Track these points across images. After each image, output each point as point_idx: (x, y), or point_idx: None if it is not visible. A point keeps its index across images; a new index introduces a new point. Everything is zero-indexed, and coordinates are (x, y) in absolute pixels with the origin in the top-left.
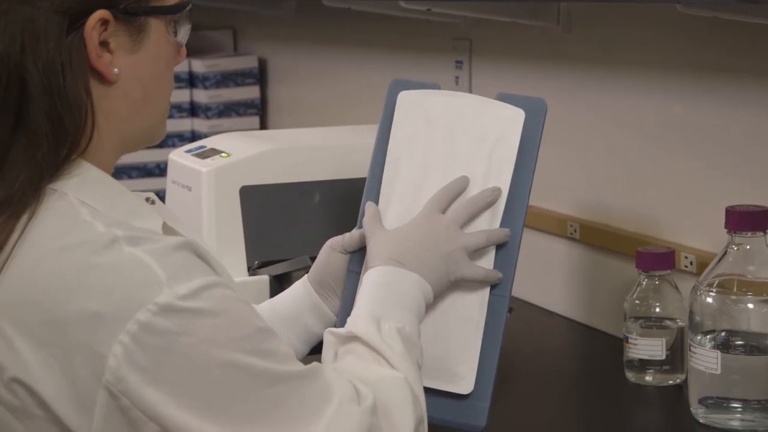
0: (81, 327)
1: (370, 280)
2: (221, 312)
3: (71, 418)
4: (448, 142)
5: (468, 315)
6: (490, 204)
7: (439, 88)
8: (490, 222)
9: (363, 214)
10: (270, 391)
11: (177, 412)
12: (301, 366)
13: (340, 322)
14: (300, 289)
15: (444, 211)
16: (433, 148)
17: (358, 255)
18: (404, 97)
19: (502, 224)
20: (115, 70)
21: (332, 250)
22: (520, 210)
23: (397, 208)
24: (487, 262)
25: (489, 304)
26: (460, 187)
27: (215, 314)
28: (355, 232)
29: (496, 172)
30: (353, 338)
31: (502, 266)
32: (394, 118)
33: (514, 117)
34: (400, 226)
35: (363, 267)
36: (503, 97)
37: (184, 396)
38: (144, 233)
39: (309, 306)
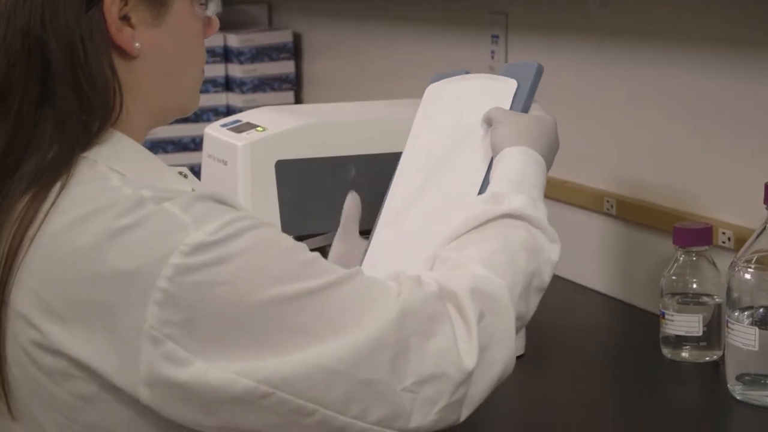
0: (116, 285)
1: (512, 159)
2: (253, 236)
3: (115, 373)
4: (456, 122)
5: None
6: None
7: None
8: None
9: (387, 196)
10: (317, 302)
11: (223, 344)
12: (342, 270)
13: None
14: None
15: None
16: (444, 129)
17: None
18: (429, 90)
19: None
20: (137, 44)
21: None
22: None
23: (407, 183)
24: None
25: None
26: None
27: (247, 239)
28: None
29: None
30: (515, 216)
31: None
32: (419, 107)
33: (505, 89)
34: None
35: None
36: (509, 68)
37: (230, 327)
38: (171, 193)
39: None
